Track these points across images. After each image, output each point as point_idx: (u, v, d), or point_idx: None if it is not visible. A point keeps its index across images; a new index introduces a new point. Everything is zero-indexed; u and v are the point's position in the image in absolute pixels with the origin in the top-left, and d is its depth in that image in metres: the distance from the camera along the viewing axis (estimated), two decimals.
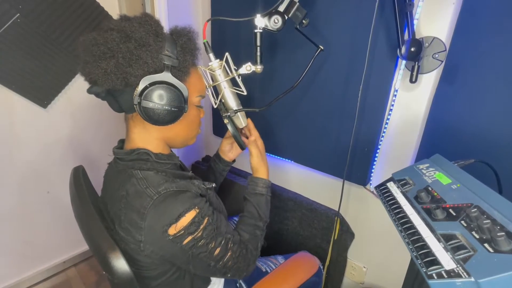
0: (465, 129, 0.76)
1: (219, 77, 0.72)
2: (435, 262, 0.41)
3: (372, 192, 1.00)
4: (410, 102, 0.84)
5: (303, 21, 0.74)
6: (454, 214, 0.47)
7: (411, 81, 0.76)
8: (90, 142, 1.37)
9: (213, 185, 0.69)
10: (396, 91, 0.85)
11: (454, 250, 0.41)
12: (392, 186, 0.62)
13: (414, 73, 0.74)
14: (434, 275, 0.40)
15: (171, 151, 0.72)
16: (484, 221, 0.41)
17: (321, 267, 0.96)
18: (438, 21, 0.74)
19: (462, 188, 0.51)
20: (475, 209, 0.45)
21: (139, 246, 0.57)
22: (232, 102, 0.75)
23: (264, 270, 0.89)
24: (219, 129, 1.38)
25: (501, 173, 0.61)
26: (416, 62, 0.73)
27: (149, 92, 0.55)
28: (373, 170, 0.97)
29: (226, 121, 0.77)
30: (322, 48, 0.78)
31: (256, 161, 0.79)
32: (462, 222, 0.45)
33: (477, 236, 0.41)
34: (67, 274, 1.45)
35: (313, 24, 0.81)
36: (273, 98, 0.80)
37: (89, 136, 1.36)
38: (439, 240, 0.44)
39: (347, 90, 0.92)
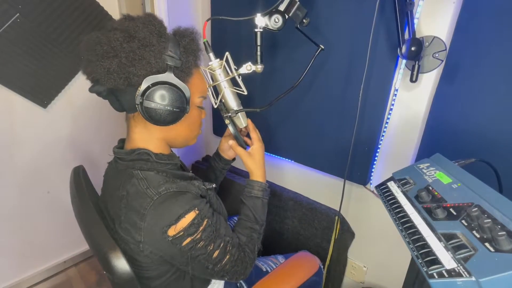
0: (465, 129, 0.76)
1: (219, 77, 0.72)
2: (436, 261, 0.41)
3: (373, 191, 1.00)
4: (410, 101, 0.84)
5: (304, 21, 0.74)
6: (454, 213, 0.47)
7: (411, 80, 0.76)
8: (90, 142, 1.37)
9: (213, 185, 0.69)
10: (397, 90, 0.85)
11: (455, 249, 0.41)
12: (392, 186, 0.62)
13: (415, 73, 0.74)
14: (435, 274, 0.40)
15: (172, 151, 0.72)
16: (484, 220, 0.41)
17: (322, 266, 0.96)
18: (439, 20, 0.74)
19: (463, 187, 0.51)
20: (476, 209, 0.44)
21: (139, 246, 0.57)
22: (233, 102, 0.75)
23: (264, 269, 0.89)
24: (219, 129, 1.37)
25: (501, 172, 0.61)
26: (417, 62, 0.73)
27: (151, 92, 0.55)
28: (373, 170, 0.97)
29: (227, 121, 0.77)
30: (323, 47, 0.78)
31: (252, 164, 0.77)
32: (463, 221, 0.45)
33: (478, 236, 0.41)
34: (68, 274, 1.45)
35: (314, 24, 0.81)
36: (274, 98, 0.80)
37: (89, 136, 1.36)
38: (439, 240, 0.44)
39: (347, 89, 0.92)
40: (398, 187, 0.61)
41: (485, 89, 0.72)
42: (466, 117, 0.76)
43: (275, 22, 0.70)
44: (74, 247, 1.48)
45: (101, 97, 0.60)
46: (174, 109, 0.58)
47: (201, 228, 0.58)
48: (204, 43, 0.70)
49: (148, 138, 0.64)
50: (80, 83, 1.24)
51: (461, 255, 0.40)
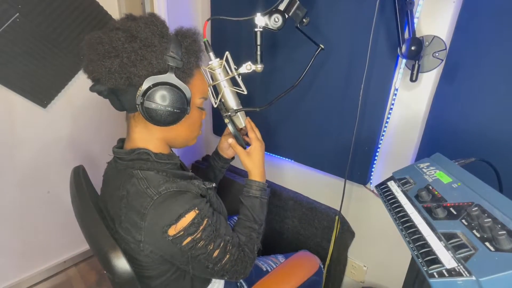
0: (465, 128, 0.76)
1: (219, 76, 0.72)
2: (436, 261, 0.41)
3: (373, 191, 1.00)
4: (410, 101, 0.84)
5: (304, 20, 0.74)
6: (455, 213, 0.47)
7: (411, 80, 0.76)
8: (90, 141, 1.37)
9: (213, 185, 0.69)
10: (397, 90, 0.85)
11: (455, 249, 0.41)
12: (392, 185, 0.62)
13: (415, 72, 0.74)
14: (435, 274, 0.40)
15: (171, 150, 0.72)
16: (485, 220, 0.41)
17: (322, 266, 0.96)
18: (439, 20, 0.74)
19: (463, 186, 0.51)
20: (476, 208, 0.44)
21: (139, 246, 0.57)
22: (232, 102, 0.75)
23: (264, 269, 0.89)
24: (219, 129, 1.37)
25: (501, 171, 0.61)
26: (417, 61, 0.73)
27: (152, 92, 0.55)
28: (373, 169, 0.97)
29: (226, 120, 0.76)
30: (323, 47, 0.78)
31: (250, 163, 0.76)
32: (463, 220, 0.45)
33: (478, 235, 0.41)
34: (68, 274, 1.45)
35: (314, 23, 0.81)
36: (274, 98, 0.80)
37: (89, 136, 1.36)
38: (440, 239, 0.44)
39: (347, 89, 0.92)
40: (398, 186, 0.61)
41: (485, 88, 0.72)
42: (466, 117, 0.76)
43: (275, 21, 0.70)
44: (74, 247, 1.48)
45: (102, 96, 0.60)
46: (175, 110, 0.57)
47: (201, 227, 0.58)
48: (204, 42, 0.70)
49: (148, 138, 0.64)
50: (80, 83, 1.24)
51: (461, 255, 0.40)
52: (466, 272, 0.37)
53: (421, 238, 0.46)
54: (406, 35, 0.74)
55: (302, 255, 0.97)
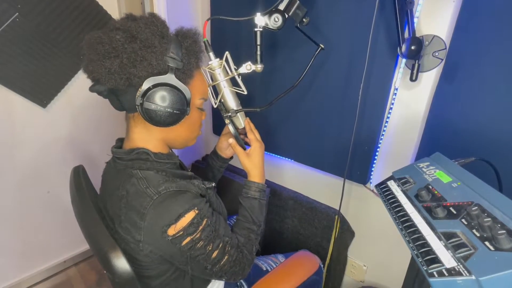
0: (465, 127, 0.76)
1: (218, 76, 0.72)
2: (436, 260, 0.41)
3: (372, 190, 1.00)
4: (410, 100, 0.84)
5: (304, 20, 0.74)
6: (454, 212, 0.47)
7: (411, 79, 0.76)
8: (90, 141, 1.37)
9: (213, 184, 0.69)
10: (396, 89, 0.85)
11: (455, 248, 0.41)
12: (392, 185, 0.62)
13: (414, 72, 0.74)
14: (435, 273, 0.40)
15: (171, 150, 0.72)
16: (484, 219, 0.41)
17: (322, 265, 0.96)
18: (438, 19, 0.74)
19: (463, 186, 0.51)
20: (476, 207, 0.45)
21: (138, 245, 0.57)
22: (232, 102, 0.75)
23: (264, 269, 0.89)
24: (219, 129, 1.37)
25: (501, 171, 0.61)
26: (416, 61, 0.73)
27: (152, 93, 0.55)
28: (373, 169, 0.97)
29: (227, 121, 0.76)
30: (323, 46, 0.78)
31: (249, 164, 0.76)
32: (463, 220, 0.45)
33: (478, 234, 0.41)
34: (68, 274, 1.45)
35: (314, 23, 0.81)
36: (274, 98, 0.80)
37: (89, 136, 1.36)
38: (439, 239, 0.44)
39: (347, 88, 0.92)
40: (398, 186, 0.61)
41: (485, 88, 0.72)
42: (466, 116, 0.76)
43: (274, 21, 0.70)
44: (74, 247, 1.48)
45: (102, 96, 0.60)
46: (174, 111, 0.57)
47: (200, 227, 0.58)
48: (204, 42, 0.69)
49: (148, 138, 0.64)
50: (79, 83, 1.24)
51: (461, 254, 0.40)
52: (465, 271, 0.37)
53: (421, 237, 0.46)
54: (406, 35, 0.74)
55: (302, 255, 0.97)
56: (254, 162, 0.76)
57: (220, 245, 0.61)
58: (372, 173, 0.97)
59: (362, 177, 0.97)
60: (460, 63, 0.73)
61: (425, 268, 0.41)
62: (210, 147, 1.49)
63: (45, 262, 1.41)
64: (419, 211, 0.51)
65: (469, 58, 0.72)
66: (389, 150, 0.93)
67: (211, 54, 0.71)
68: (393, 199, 0.58)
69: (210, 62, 0.71)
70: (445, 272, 0.39)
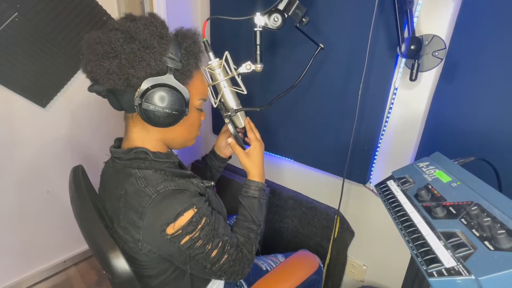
0: (465, 127, 0.76)
1: (218, 76, 0.72)
2: (436, 260, 0.41)
3: (372, 190, 1.00)
4: (410, 100, 0.84)
5: (303, 19, 0.74)
6: (454, 212, 0.47)
7: (411, 79, 0.76)
8: (89, 141, 1.37)
9: (212, 183, 0.69)
10: (396, 89, 0.85)
11: (455, 248, 0.41)
12: (392, 184, 0.62)
13: (414, 71, 0.74)
14: (434, 273, 0.40)
15: (170, 150, 0.71)
16: (484, 219, 0.41)
17: (321, 265, 0.96)
18: (438, 19, 0.74)
19: (462, 186, 0.51)
20: (475, 207, 0.45)
21: (138, 245, 0.57)
22: (232, 102, 0.75)
23: (264, 268, 0.89)
24: (218, 128, 1.37)
25: (501, 171, 0.61)
26: (416, 60, 0.73)
27: (151, 94, 0.55)
28: (373, 169, 0.97)
29: (227, 120, 0.76)
30: (322, 46, 0.78)
31: (248, 163, 0.76)
32: (462, 220, 0.45)
33: (478, 234, 0.41)
34: (68, 274, 1.45)
35: (313, 22, 0.81)
36: (274, 97, 0.80)
37: (89, 136, 1.36)
38: (439, 238, 0.44)
39: (347, 88, 0.92)
40: (398, 186, 0.61)
41: (485, 87, 0.72)
42: (466, 116, 0.76)
43: (274, 21, 0.70)
44: (74, 246, 1.48)
45: (101, 96, 0.60)
46: (173, 112, 0.57)
47: (199, 226, 0.58)
48: (203, 42, 0.69)
49: (146, 138, 0.63)
50: (79, 83, 1.24)
51: (461, 254, 0.40)
52: (465, 271, 0.37)
53: (421, 237, 0.46)
54: (406, 34, 0.74)
55: (302, 255, 0.97)
56: (254, 161, 0.76)
57: (220, 244, 0.61)
58: (371, 172, 0.97)
59: (362, 177, 0.97)
60: (459, 63, 0.73)
61: (424, 268, 0.41)
62: (210, 147, 1.48)
63: (45, 262, 1.41)
64: (418, 211, 0.51)
65: (469, 57, 0.72)
66: (389, 149, 0.93)
67: (211, 54, 0.71)
68: (393, 199, 0.58)
69: (209, 62, 0.71)
70: (444, 272, 0.39)
